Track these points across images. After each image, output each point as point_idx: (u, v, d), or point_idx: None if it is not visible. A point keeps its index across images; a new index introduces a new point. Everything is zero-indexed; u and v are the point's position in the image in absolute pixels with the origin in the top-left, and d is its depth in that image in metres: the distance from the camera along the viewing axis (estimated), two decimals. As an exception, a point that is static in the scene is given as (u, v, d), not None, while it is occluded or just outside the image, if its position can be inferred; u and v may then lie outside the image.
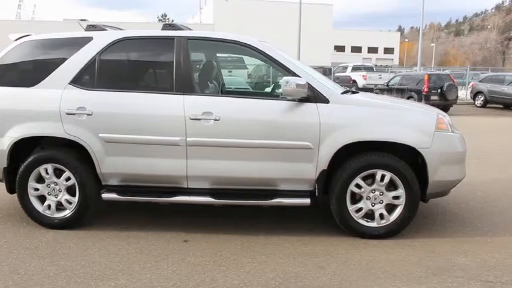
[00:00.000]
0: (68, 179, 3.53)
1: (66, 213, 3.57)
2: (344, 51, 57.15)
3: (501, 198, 4.58)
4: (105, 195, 3.52)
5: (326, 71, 22.72)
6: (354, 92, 3.87)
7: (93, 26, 3.73)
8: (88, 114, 3.42)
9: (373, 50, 58.82)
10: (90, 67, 3.52)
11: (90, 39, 3.59)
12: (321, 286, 2.66)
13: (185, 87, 3.42)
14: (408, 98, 15.75)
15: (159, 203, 3.59)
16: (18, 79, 3.60)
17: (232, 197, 3.45)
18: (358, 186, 3.35)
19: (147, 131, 3.39)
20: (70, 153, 3.52)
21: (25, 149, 3.59)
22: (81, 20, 38.75)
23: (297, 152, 3.32)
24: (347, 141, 3.27)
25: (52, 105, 3.46)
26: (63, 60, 3.56)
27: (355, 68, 23.97)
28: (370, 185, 3.36)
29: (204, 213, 3.96)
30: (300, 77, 3.34)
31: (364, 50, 58.30)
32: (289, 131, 3.30)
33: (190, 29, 4.02)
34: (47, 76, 3.53)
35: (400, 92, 16.50)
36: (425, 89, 15.01)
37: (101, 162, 3.47)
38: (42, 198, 3.60)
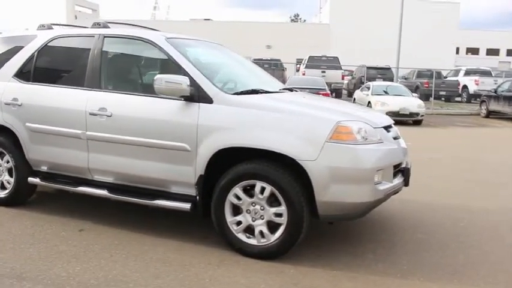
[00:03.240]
0: (8, 161, 3.97)
1: (6, 192, 4.02)
2: (478, 53, 50.51)
3: (479, 233, 3.60)
4: (31, 179, 3.87)
5: (433, 74, 20.49)
6: (263, 92, 3.45)
7: (42, 25, 4.12)
8: (19, 105, 3.80)
9: (513, 53, 50.53)
10: (29, 62, 3.90)
11: (35, 37, 3.98)
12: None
13: (92, 82, 3.55)
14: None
15: (74, 192, 3.78)
16: None
17: (125, 193, 3.45)
18: (237, 197, 3.03)
19: (60, 123, 3.61)
20: (9, 139, 3.95)
21: None
22: (205, 19, 41.57)
23: (176, 153, 3.15)
24: (220, 146, 2.98)
25: (-4, 96, 3.93)
26: (14, 55, 4.02)
27: (469, 72, 21.06)
28: (251, 197, 3.01)
29: (121, 206, 4.02)
30: (189, 74, 3.16)
31: (502, 52, 50.43)
32: (169, 130, 3.16)
33: (147, 27, 4.11)
34: (-1, 70, 4.04)
35: (507, 99, 14.01)
36: (536, 98, 12.44)
37: (28, 148, 3.82)
38: (-10, 178, 4.11)
